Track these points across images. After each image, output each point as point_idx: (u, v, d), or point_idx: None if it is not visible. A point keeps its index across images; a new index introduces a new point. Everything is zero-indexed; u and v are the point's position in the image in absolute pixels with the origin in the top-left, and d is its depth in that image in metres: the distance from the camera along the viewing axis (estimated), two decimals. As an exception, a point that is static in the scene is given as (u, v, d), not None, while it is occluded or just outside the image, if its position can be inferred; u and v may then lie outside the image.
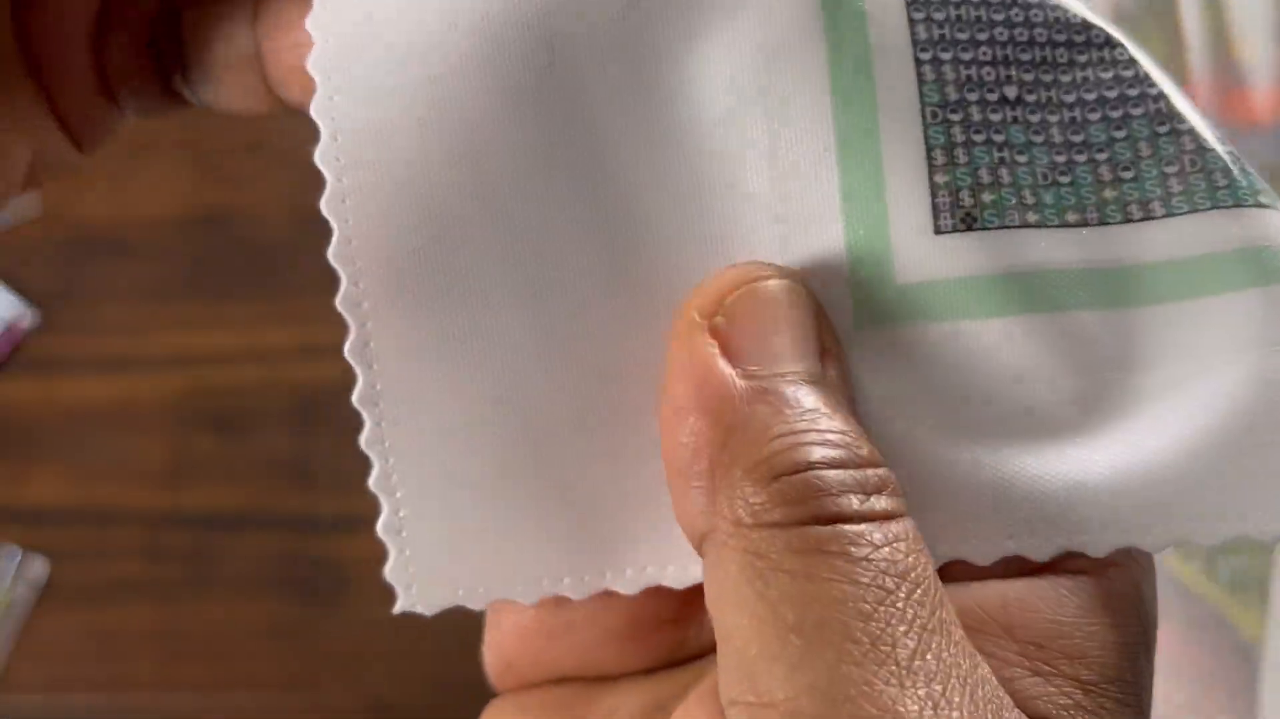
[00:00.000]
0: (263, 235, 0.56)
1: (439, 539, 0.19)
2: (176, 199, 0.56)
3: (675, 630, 0.20)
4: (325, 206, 0.18)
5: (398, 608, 0.19)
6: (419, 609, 0.19)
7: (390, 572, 0.19)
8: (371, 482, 0.19)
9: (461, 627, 0.23)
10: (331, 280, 0.18)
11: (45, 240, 0.55)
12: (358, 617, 0.51)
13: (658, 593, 0.19)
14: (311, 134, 0.18)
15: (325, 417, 0.54)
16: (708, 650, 0.20)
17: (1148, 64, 0.18)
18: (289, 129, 0.62)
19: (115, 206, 0.55)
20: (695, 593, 0.18)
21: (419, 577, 0.19)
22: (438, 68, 0.18)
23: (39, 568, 0.52)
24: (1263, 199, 0.18)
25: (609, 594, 0.19)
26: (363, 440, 0.18)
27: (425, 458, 0.18)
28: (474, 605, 0.19)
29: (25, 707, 0.51)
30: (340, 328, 0.19)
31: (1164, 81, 0.18)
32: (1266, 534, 0.18)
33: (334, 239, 0.18)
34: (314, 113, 0.18)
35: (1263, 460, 0.17)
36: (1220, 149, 0.18)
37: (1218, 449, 0.17)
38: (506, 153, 0.18)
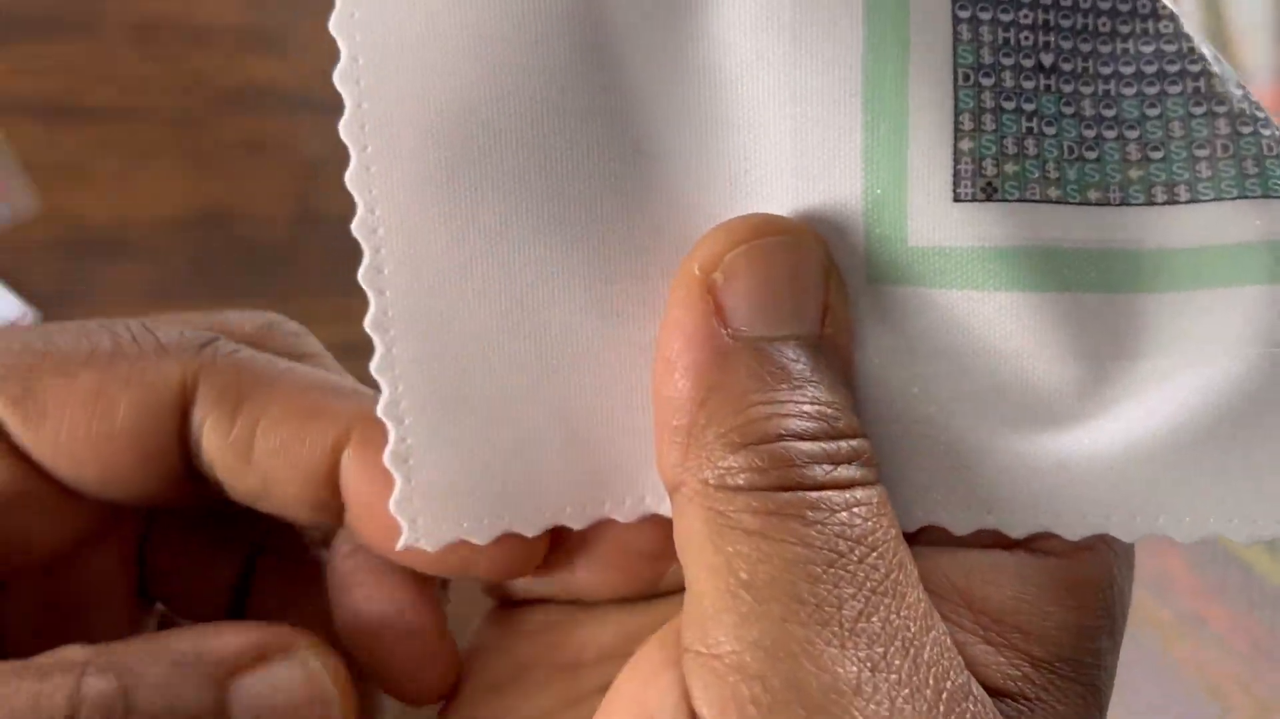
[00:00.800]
0: (263, 235, 0.56)
1: (445, 469, 0.18)
2: (176, 199, 0.56)
3: (657, 563, 0.20)
4: (344, 130, 0.17)
5: (401, 544, 0.19)
6: (422, 544, 0.19)
7: (395, 504, 0.18)
8: (380, 408, 0.18)
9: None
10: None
11: (45, 240, 0.55)
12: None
13: (645, 525, 0.19)
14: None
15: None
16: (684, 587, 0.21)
17: (1196, 40, 0.17)
18: (289, 129, 0.62)
19: (115, 206, 0.55)
20: None
21: (424, 509, 0.19)
22: None
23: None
24: None
25: (600, 522, 0.19)
26: (373, 366, 0.18)
27: (434, 383, 0.18)
28: (477, 539, 0.19)
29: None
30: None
31: (1211, 60, 0.17)
32: (1243, 536, 0.17)
33: (351, 165, 0.18)
34: (334, 30, 0.17)
35: (1246, 462, 0.17)
36: (1265, 134, 0.17)
37: (1205, 446, 0.17)
38: (527, 82, 0.17)
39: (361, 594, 0.20)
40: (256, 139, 0.57)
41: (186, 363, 0.19)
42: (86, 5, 0.56)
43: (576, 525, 0.19)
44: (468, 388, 0.18)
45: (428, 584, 0.21)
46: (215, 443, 0.19)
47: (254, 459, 0.19)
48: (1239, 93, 0.17)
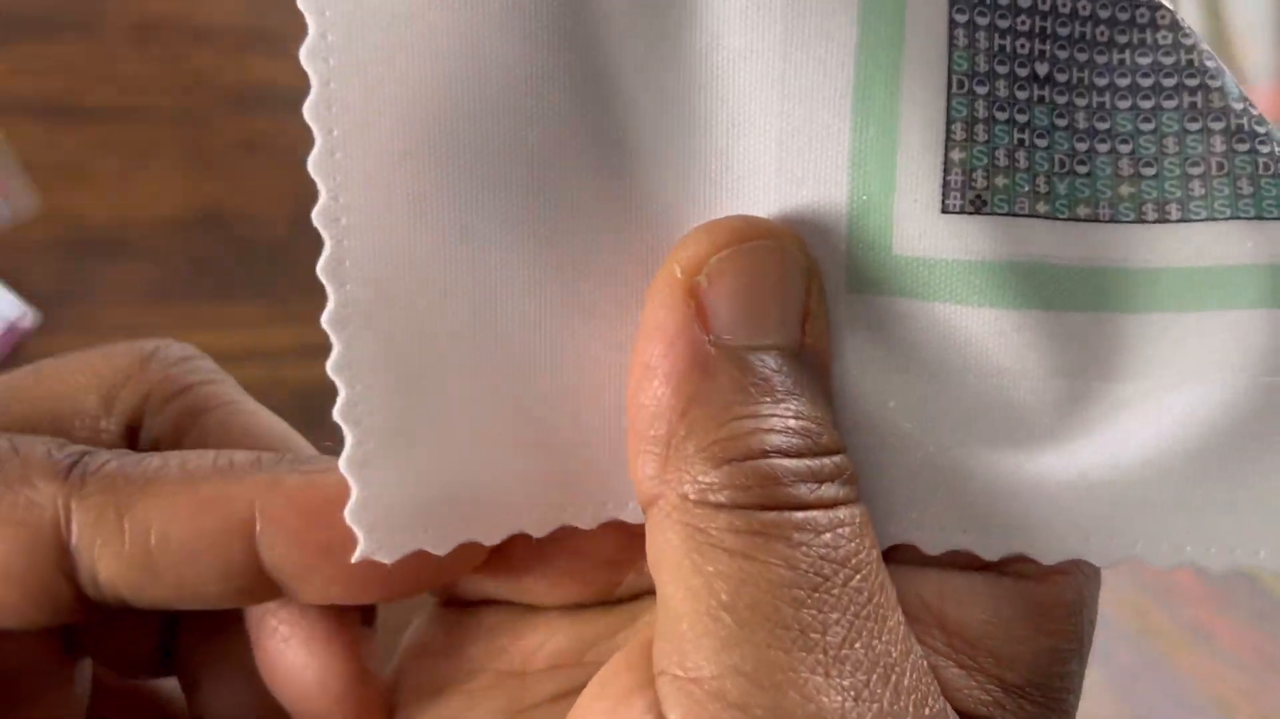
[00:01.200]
0: (263, 235, 0.56)
1: (403, 476, 0.17)
2: (176, 199, 0.56)
3: (613, 571, 0.20)
4: (309, 112, 0.16)
5: (357, 555, 0.17)
6: (379, 555, 0.17)
7: (351, 513, 0.17)
8: (337, 411, 0.17)
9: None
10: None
11: (45, 240, 0.55)
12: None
13: (603, 531, 0.18)
14: (311, 136, 0.17)
15: (325, 417, 0.53)
16: (640, 595, 0.20)
17: (1196, 52, 0.17)
18: (289, 129, 0.62)
19: (115, 206, 0.55)
20: (641, 538, 0.17)
21: (381, 518, 0.17)
22: None
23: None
24: None
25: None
26: (330, 366, 0.17)
27: (396, 384, 0.17)
28: (437, 549, 0.18)
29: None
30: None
31: (1212, 73, 0.17)
32: (1219, 566, 0.17)
33: (316, 149, 0.16)
34: (302, 5, 0.16)
35: (1226, 491, 0.17)
36: (1263, 151, 0.17)
37: (1185, 473, 0.17)
38: (505, 68, 0.17)
39: (279, 640, 0.19)
40: (256, 139, 0.57)
41: (56, 490, 0.18)
42: (86, 5, 0.56)
43: (537, 533, 0.18)
44: (430, 389, 0.17)
45: (349, 628, 0.20)
46: (110, 565, 0.18)
47: (158, 570, 0.18)
48: (1239, 107, 0.17)
